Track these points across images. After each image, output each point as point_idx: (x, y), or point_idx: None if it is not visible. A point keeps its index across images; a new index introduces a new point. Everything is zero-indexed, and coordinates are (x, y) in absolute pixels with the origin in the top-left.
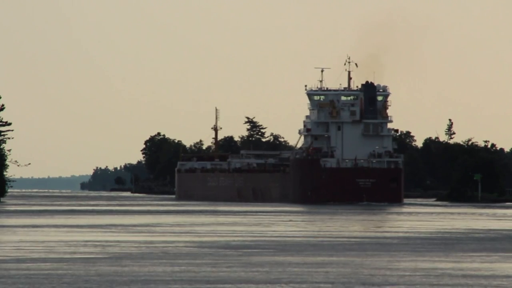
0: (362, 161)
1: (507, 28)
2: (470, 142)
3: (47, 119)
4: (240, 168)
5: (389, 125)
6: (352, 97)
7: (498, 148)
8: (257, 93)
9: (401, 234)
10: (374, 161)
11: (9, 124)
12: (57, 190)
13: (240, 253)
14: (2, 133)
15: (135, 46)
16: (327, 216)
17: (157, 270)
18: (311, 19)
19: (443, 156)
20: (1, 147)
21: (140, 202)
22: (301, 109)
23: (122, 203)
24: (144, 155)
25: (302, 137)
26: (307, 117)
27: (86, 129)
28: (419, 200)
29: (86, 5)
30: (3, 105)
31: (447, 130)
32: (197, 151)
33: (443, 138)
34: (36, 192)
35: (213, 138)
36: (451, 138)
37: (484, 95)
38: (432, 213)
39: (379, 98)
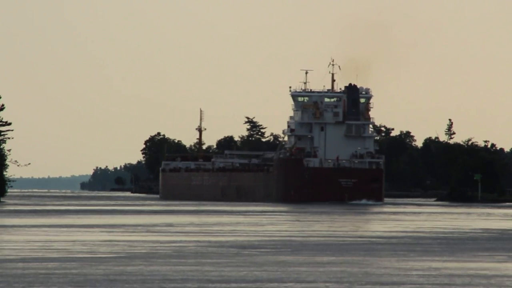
0: (344, 161)
1: (507, 28)
2: (470, 142)
3: (47, 119)
4: (224, 168)
5: (371, 127)
6: (335, 99)
7: (498, 148)
8: (254, 94)
9: (405, 234)
10: (356, 161)
11: (9, 124)
12: (57, 190)
13: (247, 253)
14: (2, 133)
15: (135, 46)
16: (328, 216)
17: (163, 270)
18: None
19: (443, 156)
20: (1, 147)
21: (129, 202)
22: (286, 110)
23: (107, 203)
24: (144, 155)
25: (286, 137)
26: (291, 117)
27: (86, 129)
28: (401, 200)
29: (86, 6)
30: (3, 105)
31: (447, 130)
32: (197, 151)
33: (443, 138)
34: (36, 192)
35: (197, 138)
36: (451, 138)
37: (484, 95)
38: (431, 213)
39: (362, 100)
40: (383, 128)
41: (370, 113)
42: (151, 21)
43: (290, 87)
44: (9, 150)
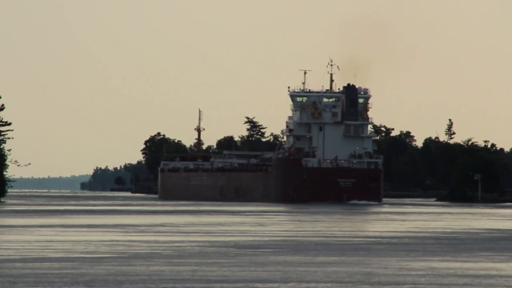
0: (342, 161)
1: (507, 27)
2: (470, 142)
3: (47, 119)
4: (222, 168)
5: (370, 127)
6: (333, 99)
7: (498, 148)
8: (254, 94)
9: (406, 234)
10: (355, 161)
11: (9, 124)
12: (57, 190)
13: (249, 253)
14: (2, 133)
15: (135, 46)
16: (329, 216)
17: (163, 270)
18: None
19: (443, 156)
20: (1, 147)
21: (128, 202)
22: (284, 110)
23: (107, 203)
24: (144, 155)
25: (285, 137)
26: (289, 117)
27: (86, 129)
28: (401, 200)
29: (86, 6)
30: (3, 105)
31: (447, 130)
32: (196, 151)
33: (443, 138)
34: (36, 192)
35: (196, 138)
36: (451, 138)
37: (484, 95)
38: (431, 213)
39: (360, 100)
40: (383, 128)
41: (368, 113)
42: (151, 21)
43: (288, 87)
44: (9, 150)
